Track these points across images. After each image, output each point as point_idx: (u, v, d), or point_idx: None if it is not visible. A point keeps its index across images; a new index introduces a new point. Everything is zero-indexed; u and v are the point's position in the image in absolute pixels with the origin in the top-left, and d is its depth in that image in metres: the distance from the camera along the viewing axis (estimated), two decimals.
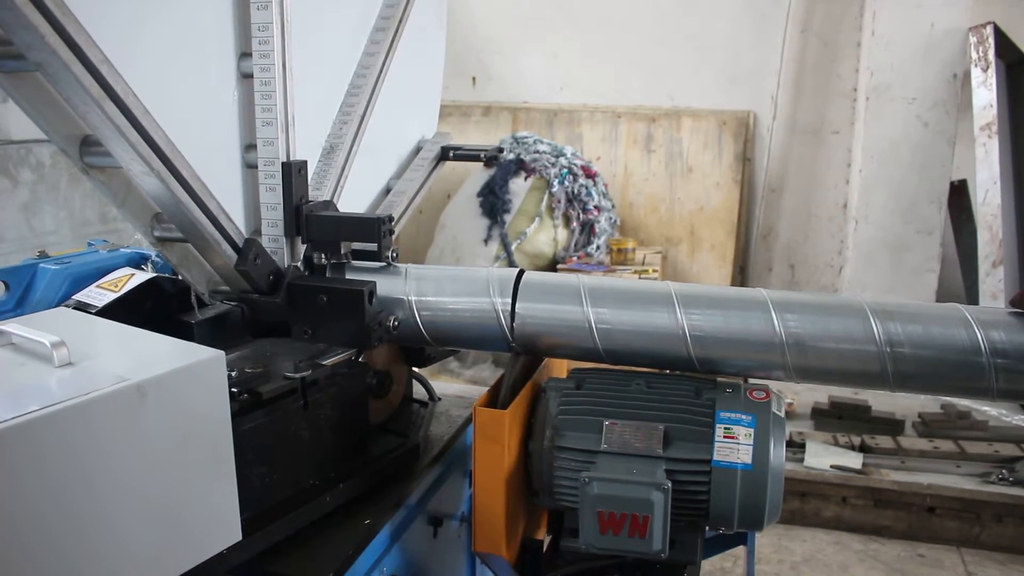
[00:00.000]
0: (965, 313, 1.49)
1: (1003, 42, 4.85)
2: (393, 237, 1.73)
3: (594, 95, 5.78)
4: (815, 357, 1.53)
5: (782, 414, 1.60)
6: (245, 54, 1.60)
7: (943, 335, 1.47)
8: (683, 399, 1.64)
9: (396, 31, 2.06)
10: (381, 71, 2.01)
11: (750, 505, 1.55)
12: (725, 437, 1.56)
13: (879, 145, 5.10)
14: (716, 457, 1.55)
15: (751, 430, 1.56)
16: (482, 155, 2.39)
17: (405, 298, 1.68)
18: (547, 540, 1.87)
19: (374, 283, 1.64)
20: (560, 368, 1.97)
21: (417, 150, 2.37)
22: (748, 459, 1.54)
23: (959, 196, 5.17)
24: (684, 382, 1.68)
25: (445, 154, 2.37)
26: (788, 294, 1.59)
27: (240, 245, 1.60)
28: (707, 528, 1.65)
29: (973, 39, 4.81)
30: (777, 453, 1.55)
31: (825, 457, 3.81)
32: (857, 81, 5.30)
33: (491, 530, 1.61)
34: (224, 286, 1.68)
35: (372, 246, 1.69)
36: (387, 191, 2.23)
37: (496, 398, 1.64)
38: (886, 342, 1.48)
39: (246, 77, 1.61)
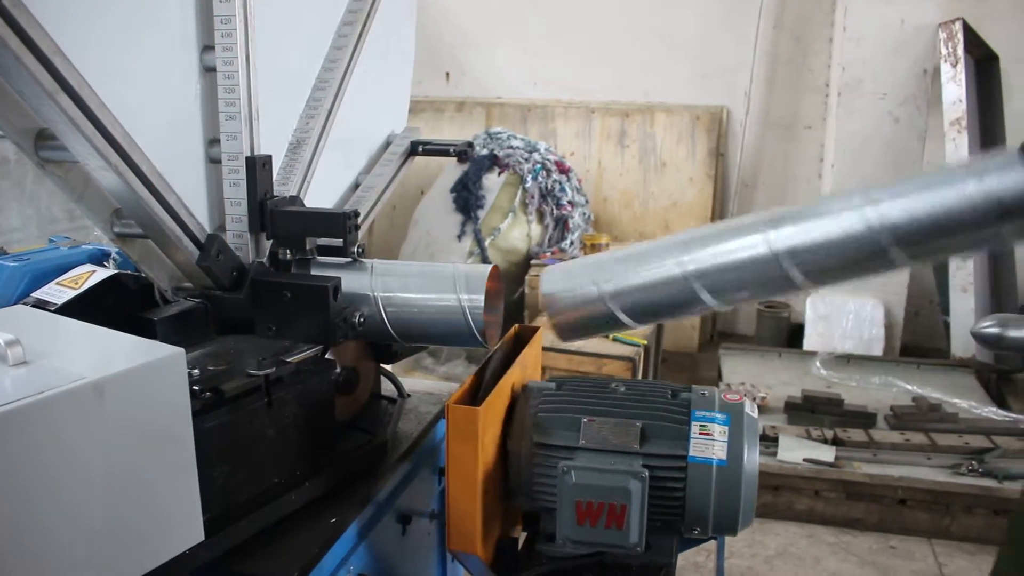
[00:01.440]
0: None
1: (972, 38, 4.89)
2: (359, 232, 1.72)
3: (568, 91, 5.77)
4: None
5: (755, 415, 1.61)
6: (208, 47, 1.58)
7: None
8: (660, 400, 1.65)
9: (364, 25, 2.04)
10: (348, 65, 1.99)
11: (725, 504, 1.56)
12: (700, 434, 1.57)
13: (851, 140, 5.13)
14: (692, 453, 1.56)
15: (726, 428, 1.58)
16: (451, 150, 2.37)
17: (370, 294, 1.66)
18: (522, 538, 1.86)
19: (338, 279, 1.62)
20: (536, 367, 1.96)
21: (386, 145, 2.35)
22: (723, 455, 1.55)
23: None
24: (660, 385, 1.70)
25: (414, 149, 2.35)
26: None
27: (202, 241, 1.57)
28: (682, 532, 1.65)
29: (943, 35, 4.84)
30: (751, 454, 1.56)
31: (798, 451, 3.82)
32: (829, 76, 5.33)
33: (465, 529, 1.59)
34: (187, 282, 1.66)
35: (337, 242, 1.67)
36: (356, 186, 2.21)
37: (469, 395, 1.63)
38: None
39: (209, 71, 1.59)
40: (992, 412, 4.23)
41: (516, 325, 1.92)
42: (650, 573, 1.67)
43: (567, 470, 1.56)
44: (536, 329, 1.94)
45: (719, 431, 1.57)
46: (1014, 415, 4.20)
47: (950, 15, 4.86)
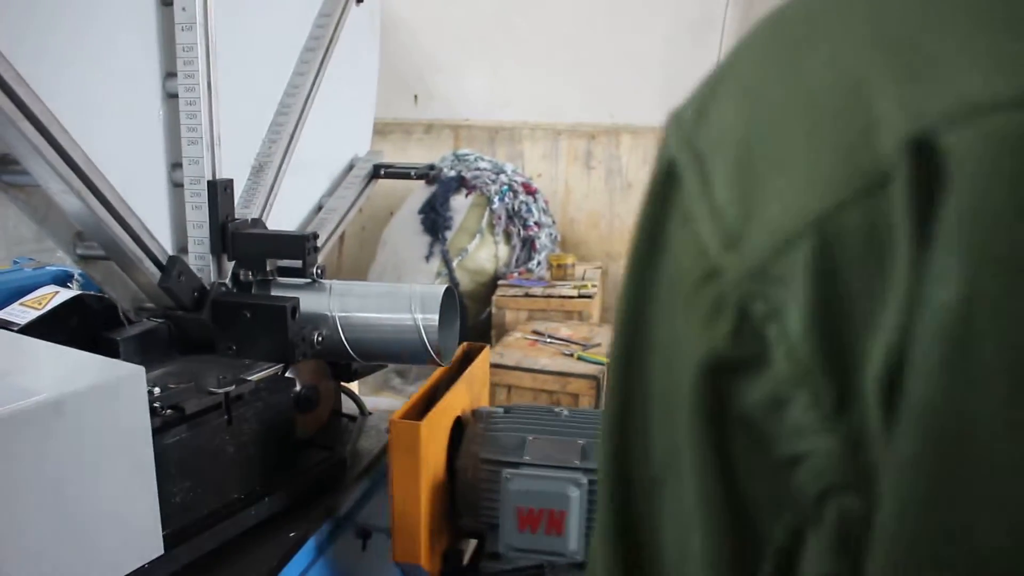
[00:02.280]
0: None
1: None
2: (319, 254, 1.76)
3: (535, 112, 5.85)
4: None
5: None
6: (171, 74, 1.63)
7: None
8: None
9: (327, 50, 2.09)
10: (311, 90, 2.04)
11: None
12: None
13: None
14: None
15: None
16: (412, 173, 2.42)
17: (329, 314, 1.71)
18: (471, 548, 1.90)
19: (297, 299, 1.67)
20: (483, 384, 2.01)
21: (349, 168, 2.40)
22: None
23: None
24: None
25: (377, 172, 2.40)
26: None
27: (164, 262, 1.61)
28: None
29: None
30: None
31: None
32: None
33: (410, 540, 1.64)
34: (150, 303, 1.69)
35: (297, 263, 1.72)
36: (319, 208, 2.26)
37: (413, 411, 1.68)
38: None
39: (172, 97, 1.64)
40: None
41: (465, 343, 1.98)
42: None
43: (510, 477, 1.64)
44: (483, 347, 2.00)
45: None
46: None
47: None
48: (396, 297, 1.70)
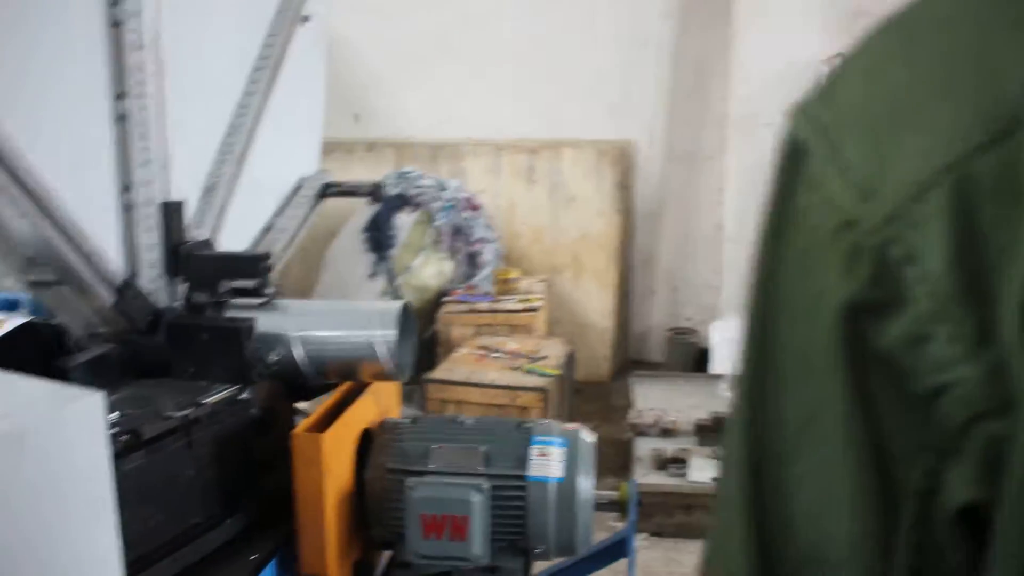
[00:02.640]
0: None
1: None
2: (272, 274, 1.76)
3: (477, 129, 5.87)
4: None
5: (589, 440, 1.80)
6: (121, 95, 1.61)
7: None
8: (504, 430, 1.81)
9: (275, 69, 2.09)
10: (260, 109, 2.03)
11: (563, 520, 1.71)
12: (539, 456, 1.73)
13: (749, 169, 5.33)
14: (531, 472, 1.71)
15: (563, 449, 1.74)
16: (360, 191, 2.43)
17: (286, 333, 1.70)
18: (386, 560, 1.92)
19: (252, 319, 1.66)
20: (390, 396, 2.02)
21: (298, 187, 2.39)
22: (560, 473, 1.71)
23: None
24: (505, 420, 1.91)
25: (325, 191, 2.40)
26: None
27: (117, 286, 1.60)
28: (528, 551, 1.78)
29: (827, 69, 5.10)
30: (587, 476, 1.73)
31: (708, 470, 3.95)
32: (726, 109, 5.54)
33: (316, 552, 1.66)
34: (104, 328, 1.67)
35: (251, 283, 1.71)
36: (268, 229, 2.25)
37: (317, 424, 1.69)
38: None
39: (122, 118, 1.62)
40: None
41: None
42: None
43: (414, 485, 1.69)
44: None
45: (557, 453, 1.74)
46: None
47: (831, 51, 5.13)
48: (354, 314, 1.71)
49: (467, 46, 5.82)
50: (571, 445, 1.75)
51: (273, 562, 1.65)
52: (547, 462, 1.72)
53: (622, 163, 5.71)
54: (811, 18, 5.08)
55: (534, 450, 1.73)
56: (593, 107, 5.78)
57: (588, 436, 1.80)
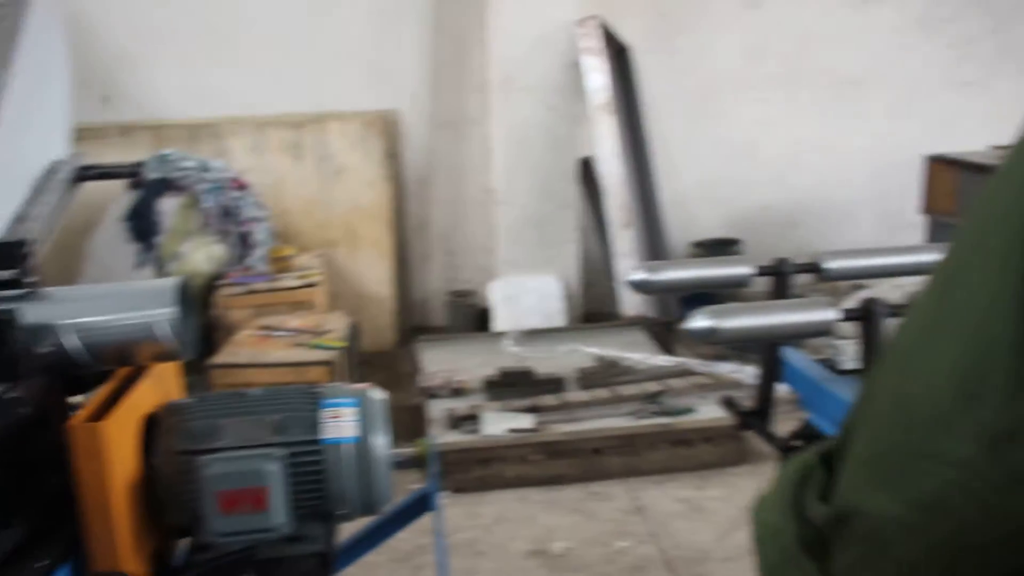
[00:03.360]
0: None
1: (607, 33, 5.42)
2: (33, 261, 1.65)
3: (237, 106, 5.67)
4: None
5: (378, 398, 1.82)
6: None
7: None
8: (294, 397, 1.81)
9: (10, 51, 1.94)
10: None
11: (362, 479, 1.74)
12: (332, 418, 1.75)
13: (513, 132, 5.49)
14: (325, 435, 1.73)
15: (355, 409, 1.77)
16: (119, 172, 2.32)
17: (55, 323, 1.61)
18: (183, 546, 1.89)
19: (14, 310, 1.56)
20: (172, 379, 1.98)
21: (51, 172, 2.24)
22: (354, 433, 1.74)
23: (588, 170, 5.70)
24: (294, 387, 1.88)
25: (82, 175, 2.27)
26: None
27: None
28: (331, 515, 1.80)
29: (582, 31, 5.32)
30: (382, 433, 1.76)
31: (501, 424, 4.08)
32: (487, 75, 5.66)
33: (107, 548, 1.61)
34: None
35: (10, 274, 1.60)
36: (20, 218, 2.10)
37: (95, 414, 1.63)
38: None
39: None
40: (662, 359, 4.76)
41: None
42: (305, 562, 1.78)
43: (206, 463, 1.66)
44: None
45: (349, 412, 1.75)
46: (678, 359, 4.75)
47: (587, 13, 5.35)
48: (130, 296, 1.65)
49: (220, 20, 5.61)
50: (362, 404, 1.77)
51: (65, 568, 1.57)
52: (340, 423, 1.74)
53: (389, 133, 5.71)
54: None
55: (326, 413, 1.74)
56: (355, 79, 5.73)
57: (378, 394, 1.83)
